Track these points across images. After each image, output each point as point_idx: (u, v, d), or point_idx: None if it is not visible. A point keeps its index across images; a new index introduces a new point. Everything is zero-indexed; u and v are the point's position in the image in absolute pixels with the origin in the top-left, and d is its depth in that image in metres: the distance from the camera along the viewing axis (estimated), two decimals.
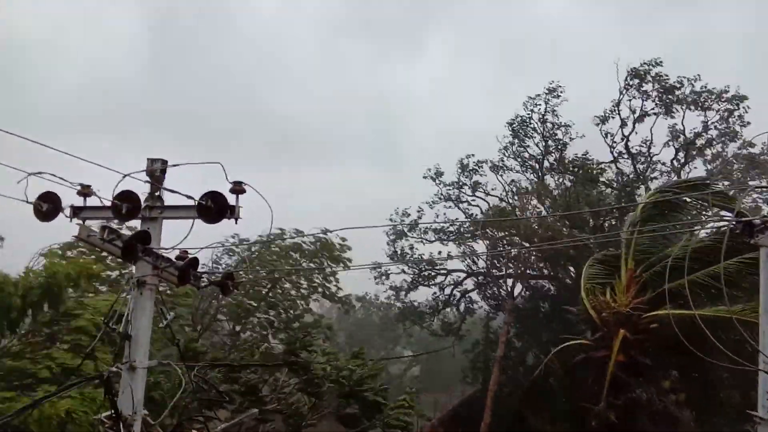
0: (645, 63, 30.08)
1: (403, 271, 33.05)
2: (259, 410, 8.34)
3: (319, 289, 26.08)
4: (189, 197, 6.01)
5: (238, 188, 6.31)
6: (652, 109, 30.43)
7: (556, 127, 31.86)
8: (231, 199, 6.22)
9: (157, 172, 6.30)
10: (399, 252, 32.99)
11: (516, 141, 32.58)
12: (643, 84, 30.29)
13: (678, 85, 29.72)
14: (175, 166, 6.41)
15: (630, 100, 30.69)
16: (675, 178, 30.98)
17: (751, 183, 28.96)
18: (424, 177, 33.29)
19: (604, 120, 31.30)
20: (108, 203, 5.86)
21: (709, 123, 30.13)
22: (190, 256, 6.52)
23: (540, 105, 31.65)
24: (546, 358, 18.19)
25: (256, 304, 23.63)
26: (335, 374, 9.96)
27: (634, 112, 30.66)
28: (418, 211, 32.89)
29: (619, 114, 30.96)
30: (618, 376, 14.15)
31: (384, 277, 33.43)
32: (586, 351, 16.10)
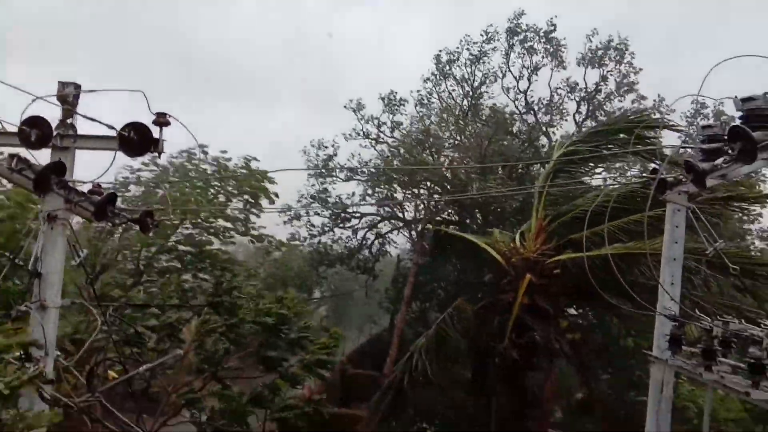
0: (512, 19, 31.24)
1: (317, 214, 32.98)
2: (181, 352, 8.14)
3: (238, 224, 25.42)
4: (110, 127, 5.54)
5: (162, 120, 5.90)
6: (542, 61, 31.77)
7: (477, 73, 32.44)
8: (154, 132, 5.86)
9: (69, 97, 5.74)
10: (315, 194, 32.74)
11: (441, 80, 32.84)
12: (525, 40, 31.50)
13: (551, 28, 30.99)
14: (90, 92, 5.87)
15: (520, 56, 31.97)
16: (576, 131, 32.77)
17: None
18: (345, 107, 32.78)
19: (503, 75, 32.41)
20: (14, 129, 5.31)
21: (606, 73, 31.77)
22: (106, 191, 6.11)
23: (470, 48, 32.03)
24: (454, 300, 19.04)
25: (164, 239, 22.72)
26: (259, 316, 9.85)
27: (526, 67, 31.98)
28: (333, 145, 32.51)
29: (509, 70, 32.20)
30: (522, 317, 15.05)
31: (296, 220, 33.18)
32: (493, 294, 16.99)
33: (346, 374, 26.70)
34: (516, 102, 32.93)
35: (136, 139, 5.67)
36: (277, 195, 24.11)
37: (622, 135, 16.09)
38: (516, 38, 31.69)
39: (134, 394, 7.65)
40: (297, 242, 34.04)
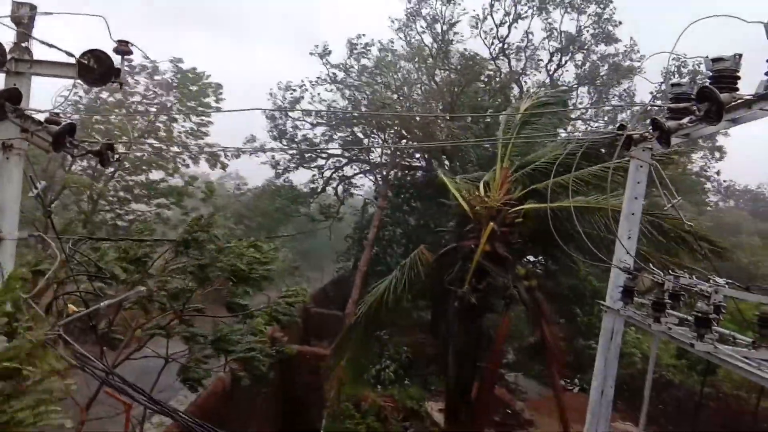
0: None
1: (284, 151, 32.58)
2: (146, 288, 8.06)
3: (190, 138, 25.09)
4: (69, 54, 5.26)
5: (124, 48, 5.66)
6: (525, 11, 31.33)
7: (448, 18, 31.77)
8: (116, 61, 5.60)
9: (24, 18, 5.41)
10: (280, 130, 32.20)
11: (409, 25, 32.10)
12: None
13: None
14: (46, 14, 5.53)
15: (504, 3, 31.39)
16: (547, 80, 32.78)
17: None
18: (311, 54, 32.04)
19: (484, 19, 31.84)
20: None
21: (582, 27, 31.62)
22: (63, 121, 5.87)
23: None
24: (417, 245, 19.32)
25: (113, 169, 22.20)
26: (232, 258, 9.78)
27: (509, 13, 31.47)
28: (301, 87, 31.87)
29: (492, 16, 31.67)
30: (483, 264, 15.39)
31: (261, 155, 32.77)
32: (456, 240, 17.25)
33: (309, 313, 27.11)
34: (491, 48, 32.60)
35: (96, 68, 5.42)
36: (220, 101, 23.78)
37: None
38: None
39: (95, 328, 7.62)
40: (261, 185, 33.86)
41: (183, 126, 26.55)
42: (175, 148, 25.21)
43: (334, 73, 32.00)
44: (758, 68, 4.90)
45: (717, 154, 31.86)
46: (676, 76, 29.18)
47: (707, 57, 5.28)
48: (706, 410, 24.81)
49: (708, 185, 33.81)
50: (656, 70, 32.51)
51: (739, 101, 4.90)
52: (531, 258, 18.43)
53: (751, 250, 38.63)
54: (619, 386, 7.85)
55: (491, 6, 31.50)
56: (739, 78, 5.14)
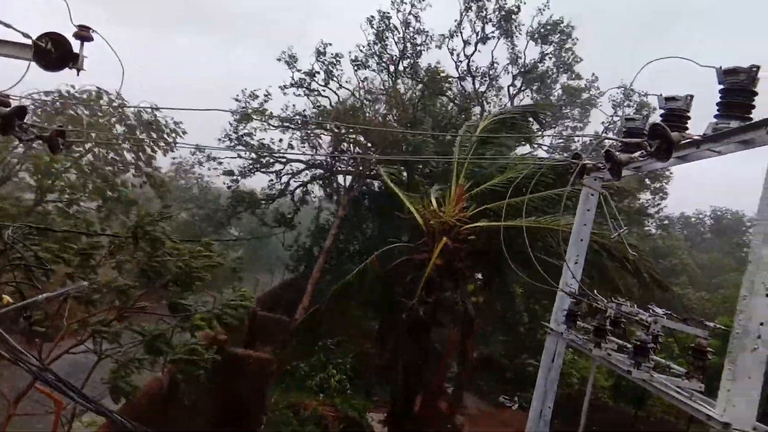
0: None
1: (240, 156, 32.11)
2: (86, 283, 7.73)
3: (140, 163, 24.70)
4: (25, 35, 5.06)
5: (84, 34, 5.46)
6: (492, 32, 32.01)
7: (415, 32, 32.07)
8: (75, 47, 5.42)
9: None
10: (239, 135, 31.76)
11: (376, 39, 32.22)
12: (484, 8, 31.54)
13: (515, 10, 31.24)
14: None
15: (472, 22, 31.98)
16: (508, 104, 33.52)
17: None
18: (278, 60, 31.83)
19: (451, 36, 32.33)
20: None
21: (546, 54, 32.49)
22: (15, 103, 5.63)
23: (406, 5, 31.47)
24: (371, 255, 19.34)
25: (68, 164, 21.46)
26: (177, 263, 9.49)
27: (477, 33, 32.09)
28: (266, 95, 31.57)
29: (461, 34, 32.22)
30: (433, 278, 15.53)
31: (214, 161, 32.28)
32: (408, 253, 17.36)
33: (255, 316, 26.65)
34: (458, 66, 33.06)
35: (53, 52, 5.22)
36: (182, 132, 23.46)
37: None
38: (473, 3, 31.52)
39: (30, 320, 7.28)
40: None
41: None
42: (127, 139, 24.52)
43: (302, 79, 31.80)
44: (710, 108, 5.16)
45: (659, 195, 33.21)
46: (625, 105, 30.36)
47: (661, 95, 5.51)
48: None
49: (650, 220, 35.17)
50: (611, 101, 33.65)
51: (688, 140, 5.12)
52: (480, 276, 18.69)
53: (689, 280, 40.34)
54: (556, 406, 8.02)
55: (458, 24, 32.03)
56: (689, 118, 5.38)
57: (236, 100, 31.37)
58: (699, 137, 4.97)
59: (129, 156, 24.69)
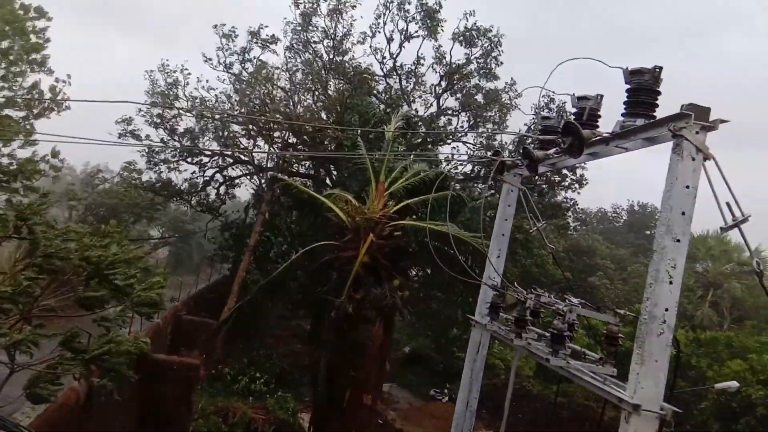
0: None
1: (163, 141, 30.76)
2: None
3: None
4: None
5: None
6: (416, 31, 32.39)
7: (343, 27, 31.94)
8: None
9: None
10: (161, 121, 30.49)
11: (303, 30, 31.82)
12: (404, 7, 31.90)
13: (437, 8, 31.77)
14: None
15: (395, 20, 32.26)
16: (434, 102, 34.07)
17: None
18: (214, 30, 30.66)
19: (373, 34, 32.47)
20: None
21: (471, 57, 33.14)
22: None
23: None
24: (296, 252, 19.17)
25: None
26: (78, 255, 8.83)
27: (400, 31, 32.37)
28: (182, 70, 30.40)
29: (383, 31, 32.42)
30: (360, 274, 15.57)
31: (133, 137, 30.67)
32: (334, 251, 17.30)
33: (180, 320, 25.75)
34: (382, 64, 33.14)
35: None
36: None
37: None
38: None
39: None
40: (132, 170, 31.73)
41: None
42: None
43: (228, 61, 30.92)
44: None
45: (577, 186, 34.52)
46: (546, 110, 31.45)
47: (573, 94, 5.75)
48: (560, 419, 26.81)
49: (569, 214, 36.56)
50: (531, 104, 34.92)
51: (598, 137, 5.37)
52: (412, 272, 18.97)
53: (605, 273, 42.57)
54: (484, 397, 8.24)
55: (378, 20, 32.09)
56: (599, 116, 5.65)
57: (152, 82, 30.10)
58: (608, 135, 5.22)
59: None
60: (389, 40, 32.47)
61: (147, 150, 30.51)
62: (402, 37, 32.38)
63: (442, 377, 31.49)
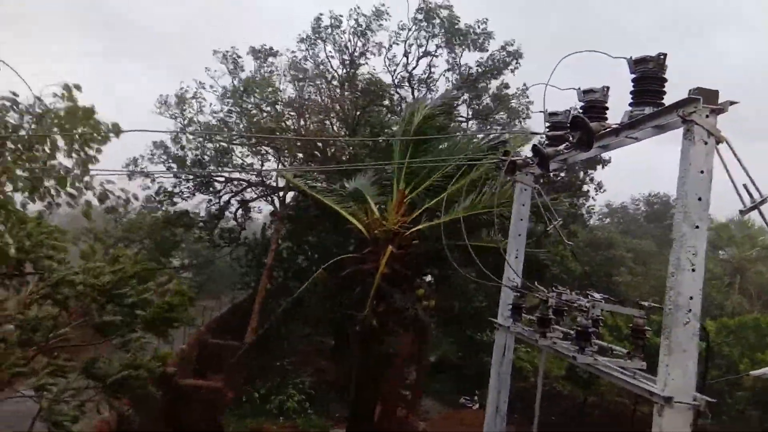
0: (438, 5, 31.58)
1: (175, 176, 31.09)
2: (12, 326, 7.19)
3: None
4: None
5: None
6: (436, 50, 32.49)
7: (358, 40, 32.18)
8: None
9: None
10: (171, 151, 30.83)
11: (315, 45, 32.10)
12: (431, 24, 31.93)
13: (457, 22, 31.81)
14: None
15: (417, 36, 32.33)
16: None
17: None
18: (214, 53, 31.01)
19: (389, 47, 32.59)
20: None
21: (482, 64, 33.06)
22: None
23: (358, 18, 31.57)
24: (318, 269, 19.17)
25: None
26: (87, 279, 8.86)
27: (420, 46, 32.46)
28: (196, 97, 30.77)
29: (405, 48, 32.52)
30: (382, 286, 15.52)
31: (149, 180, 31.05)
32: (355, 264, 17.29)
33: (205, 345, 25.92)
34: (394, 76, 33.26)
35: None
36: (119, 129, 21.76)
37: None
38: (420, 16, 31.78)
39: None
40: (151, 205, 31.97)
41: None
42: None
43: (228, 87, 31.21)
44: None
45: (595, 189, 34.15)
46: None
47: (579, 88, 5.71)
48: (591, 418, 26.40)
49: (584, 212, 36.16)
50: (550, 100, 34.48)
51: (607, 129, 5.32)
52: (430, 278, 18.87)
53: (626, 267, 41.97)
54: (514, 400, 8.13)
55: (400, 32, 32.18)
56: (607, 108, 5.59)
57: (156, 106, 30.50)
58: (617, 125, 5.17)
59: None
60: (406, 54, 32.60)
61: (158, 186, 30.77)
62: (420, 52, 32.51)
63: (470, 384, 31.20)
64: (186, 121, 30.79)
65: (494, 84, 33.32)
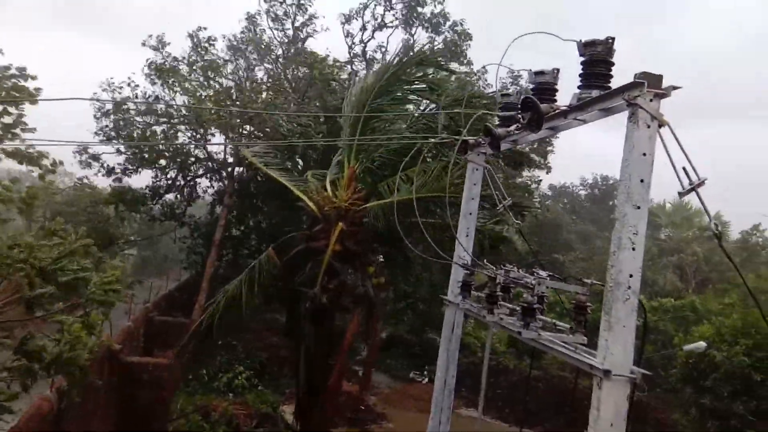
0: None
1: (119, 151, 29.95)
2: None
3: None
4: None
5: None
6: (392, 22, 32.27)
7: (303, 14, 31.58)
8: None
9: None
10: (111, 128, 29.66)
11: (257, 25, 31.37)
12: None
13: (422, 3, 31.72)
14: None
15: (375, 6, 32.04)
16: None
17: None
18: (143, 44, 30.00)
19: (348, 19, 32.17)
20: None
21: (435, 47, 33.12)
22: None
23: None
24: (268, 246, 18.98)
25: None
26: (19, 254, 8.45)
27: (376, 19, 32.16)
28: (129, 84, 29.66)
29: (362, 18, 32.16)
30: (332, 263, 15.51)
31: (90, 158, 29.93)
32: (307, 241, 17.18)
33: (152, 322, 25.39)
34: (351, 49, 32.90)
35: None
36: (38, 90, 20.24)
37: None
38: None
39: None
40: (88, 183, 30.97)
41: None
42: None
43: (170, 64, 30.11)
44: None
45: (544, 170, 34.99)
46: (511, 87, 31.70)
47: (530, 70, 5.79)
48: (536, 391, 27.41)
49: (534, 192, 37.11)
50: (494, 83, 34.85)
51: (556, 111, 5.43)
52: (381, 257, 18.93)
53: (571, 247, 43.49)
54: (462, 375, 8.34)
55: (364, 8, 31.78)
56: (557, 90, 5.70)
57: (96, 95, 29.27)
58: (565, 107, 5.28)
59: None
60: (363, 27, 32.24)
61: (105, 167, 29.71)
62: (376, 25, 32.22)
63: (420, 359, 31.80)
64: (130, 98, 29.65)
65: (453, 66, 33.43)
